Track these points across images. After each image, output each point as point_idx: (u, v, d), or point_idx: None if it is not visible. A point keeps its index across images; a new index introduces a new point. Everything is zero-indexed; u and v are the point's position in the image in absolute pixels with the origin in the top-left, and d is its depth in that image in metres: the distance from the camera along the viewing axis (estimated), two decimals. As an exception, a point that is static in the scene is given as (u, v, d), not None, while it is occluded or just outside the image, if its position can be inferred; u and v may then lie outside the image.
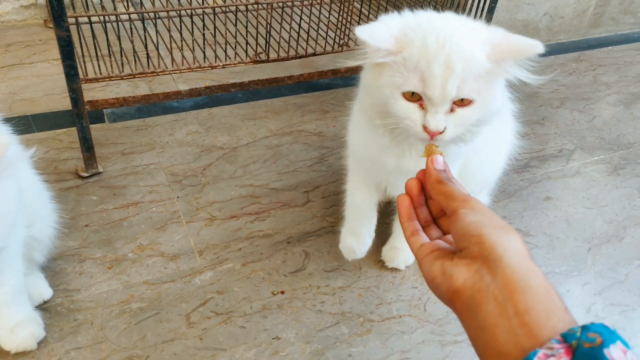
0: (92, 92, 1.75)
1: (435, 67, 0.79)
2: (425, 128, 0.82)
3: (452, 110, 0.83)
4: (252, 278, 1.22)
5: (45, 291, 1.09)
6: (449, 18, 0.88)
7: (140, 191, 1.43)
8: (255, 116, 1.79)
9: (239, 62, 1.48)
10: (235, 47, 1.50)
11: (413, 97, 0.83)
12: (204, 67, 1.43)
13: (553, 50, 2.36)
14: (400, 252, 1.25)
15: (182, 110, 1.79)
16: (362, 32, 0.80)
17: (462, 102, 0.83)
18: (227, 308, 1.14)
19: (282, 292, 1.19)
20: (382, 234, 1.33)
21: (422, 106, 0.83)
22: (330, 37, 1.60)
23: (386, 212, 1.36)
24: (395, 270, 1.26)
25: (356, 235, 1.17)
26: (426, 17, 0.87)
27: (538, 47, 0.78)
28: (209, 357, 1.04)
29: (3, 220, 0.77)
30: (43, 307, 1.08)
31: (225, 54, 1.46)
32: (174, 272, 1.21)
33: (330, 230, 1.37)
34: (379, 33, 0.82)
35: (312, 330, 1.11)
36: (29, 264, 1.04)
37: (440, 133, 0.83)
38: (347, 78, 2.00)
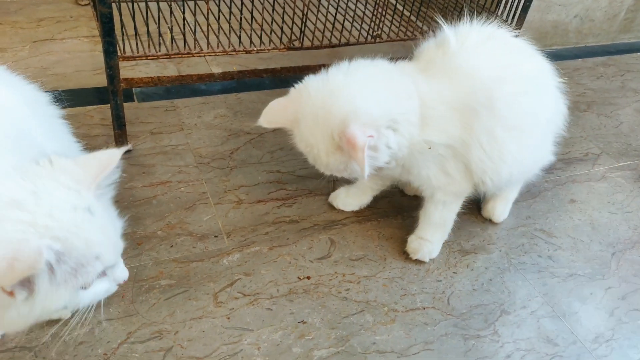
0: (122, 71, 1.76)
1: None
2: None
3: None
4: (279, 262, 1.23)
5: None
6: None
7: (169, 171, 1.44)
8: (282, 103, 1.79)
9: (273, 48, 1.48)
10: (270, 33, 1.50)
11: None
12: (239, 51, 1.43)
13: (581, 53, 2.35)
14: (425, 244, 1.26)
15: (210, 93, 1.80)
16: None
17: None
18: (254, 290, 1.16)
19: (308, 278, 1.20)
20: (408, 226, 1.35)
21: None
22: (364, 28, 1.60)
23: (412, 205, 1.38)
24: (419, 262, 1.27)
25: (350, 196, 1.37)
26: None
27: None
28: (236, 337, 1.06)
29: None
30: (76, 278, 1.10)
31: (260, 39, 1.47)
32: (202, 252, 1.23)
33: (356, 220, 1.38)
34: None
35: (337, 317, 1.13)
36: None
37: None
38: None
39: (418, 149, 1.08)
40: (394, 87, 1.05)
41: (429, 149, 1.08)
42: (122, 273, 0.80)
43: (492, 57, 1.13)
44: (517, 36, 1.20)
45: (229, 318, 1.09)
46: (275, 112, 1.04)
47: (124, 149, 0.79)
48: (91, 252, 0.71)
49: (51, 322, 1.02)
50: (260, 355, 1.03)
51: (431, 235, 1.27)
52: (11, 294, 0.66)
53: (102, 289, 0.78)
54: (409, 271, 1.25)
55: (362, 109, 0.98)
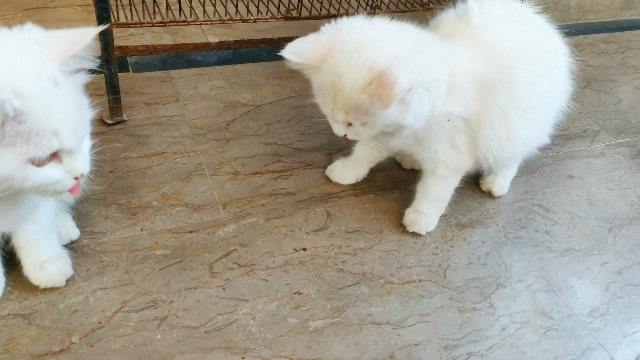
0: (116, 41, 1.73)
1: None
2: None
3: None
4: (275, 233, 1.22)
5: (73, 231, 1.10)
6: None
7: (164, 141, 1.43)
8: (279, 75, 1.77)
9: (271, 18, 1.46)
10: (268, 3, 1.47)
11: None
12: (235, 20, 1.41)
13: (582, 29, 2.32)
14: (422, 217, 1.26)
15: (206, 65, 1.77)
16: None
17: None
18: (249, 261, 1.15)
19: (304, 249, 1.20)
20: (405, 199, 1.34)
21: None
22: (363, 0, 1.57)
23: (409, 179, 1.37)
24: (416, 235, 1.27)
25: (346, 168, 1.35)
26: None
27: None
28: (231, 307, 1.05)
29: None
30: (70, 247, 1.09)
31: (258, 9, 1.44)
32: (198, 223, 1.22)
33: (353, 194, 1.37)
34: None
35: (333, 288, 1.12)
36: (58, 204, 1.04)
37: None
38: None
39: (437, 120, 1.06)
40: (433, 53, 1.02)
41: (448, 120, 1.06)
42: (81, 165, 0.76)
43: (515, 34, 1.12)
44: (538, 13, 1.18)
45: (224, 288, 1.09)
46: (304, 45, 0.99)
47: (100, 28, 0.77)
48: (50, 124, 0.69)
49: (45, 290, 1.01)
50: (255, 325, 1.03)
51: (428, 209, 1.26)
52: None
53: (55, 175, 0.74)
54: (406, 244, 1.25)
55: (409, 58, 0.94)
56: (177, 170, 1.34)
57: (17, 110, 0.65)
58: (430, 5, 1.74)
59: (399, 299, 1.12)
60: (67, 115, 0.71)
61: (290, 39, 1.56)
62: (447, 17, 1.17)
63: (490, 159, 1.17)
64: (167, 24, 1.31)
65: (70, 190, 0.78)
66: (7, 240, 0.98)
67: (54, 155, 0.73)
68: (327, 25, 1.00)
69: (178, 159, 1.38)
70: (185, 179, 1.32)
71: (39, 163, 0.71)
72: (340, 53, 0.95)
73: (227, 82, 1.70)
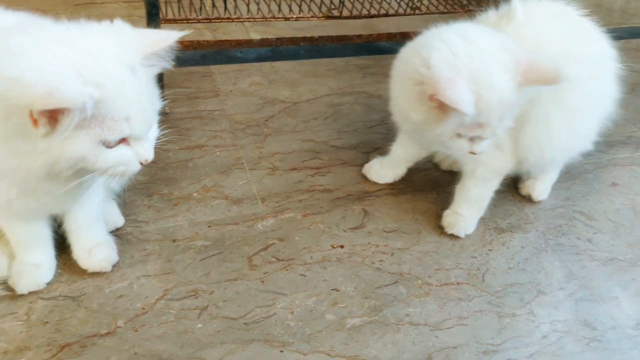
0: (161, 34, 1.76)
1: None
2: (471, 152, 1.03)
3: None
4: (312, 229, 1.23)
5: (118, 219, 1.13)
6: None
7: (205, 135, 1.44)
8: (316, 74, 1.78)
9: (312, 17, 1.46)
10: (310, 3, 1.48)
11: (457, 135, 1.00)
12: (278, 18, 1.42)
13: (625, 33, 2.28)
14: (461, 219, 1.25)
15: (245, 61, 1.79)
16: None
17: None
18: (288, 255, 1.16)
19: (342, 247, 1.20)
20: (443, 201, 1.33)
21: (471, 139, 1.00)
22: (403, 1, 1.57)
23: (447, 180, 1.36)
24: (454, 237, 1.26)
25: (384, 167, 1.35)
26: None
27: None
28: (269, 300, 1.06)
29: None
30: (115, 234, 1.11)
31: (300, 8, 1.45)
32: (237, 216, 1.23)
33: (390, 193, 1.36)
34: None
35: (371, 287, 1.12)
36: (106, 192, 1.06)
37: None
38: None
39: None
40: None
41: None
42: (147, 151, 0.79)
43: (561, 34, 1.10)
44: (584, 15, 1.16)
45: (263, 281, 1.09)
46: (463, 91, 0.95)
47: (183, 33, 0.80)
48: (123, 109, 0.72)
49: (93, 275, 1.03)
50: (293, 320, 1.03)
51: (467, 211, 1.25)
52: (35, 122, 0.67)
53: (124, 157, 0.77)
54: (444, 246, 1.24)
55: None
56: (217, 163, 1.36)
57: (95, 99, 0.68)
58: (470, 7, 1.73)
59: (436, 300, 1.12)
60: (139, 103, 0.74)
61: (330, 38, 1.57)
62: (487, 17, 1.16)
63: (531, 160, 1.15)
64: (212, 20, 1.33)
65: None
66: (60, 223, 1.00)
67: (123, 140, 0.76)
68: (437, 59, 0.94)
69: (218, 153, 1.39)
70: (225, 172, 1.34)
71: (109, 145, 0.74)
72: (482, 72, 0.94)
73: (265, 78, 1.71)
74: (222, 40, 1.43)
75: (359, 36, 1.56)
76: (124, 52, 0.74)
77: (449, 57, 0.93)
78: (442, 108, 0.93)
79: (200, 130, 1.46)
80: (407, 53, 1.04)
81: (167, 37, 0.78)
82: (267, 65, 1.78)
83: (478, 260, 1.22)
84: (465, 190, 1.22)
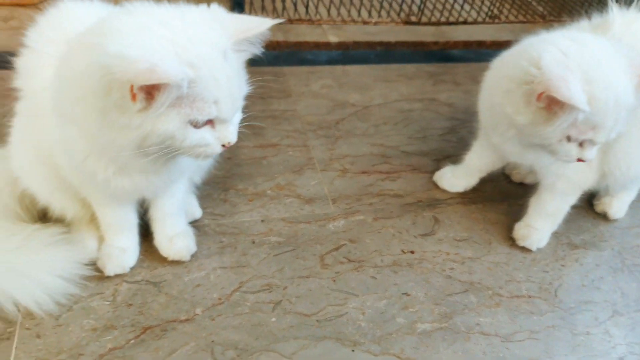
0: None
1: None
2: (579, 159, 0.99)
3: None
4: (383, 233, 1.24)
5: (196, 210, 1.17)
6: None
7: (278, 134, 1.47)
8: (387, 78, 1.79)
9: (390, 21, 1.47)
10: (389, 9, 1.49)
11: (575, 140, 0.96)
12: (357, 21, 1.44)
13: None
14: (534, 232, 1.23)
15: (316, 63, 1.81)
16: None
17: None
18: (358, 257, 1.17)
19: (412, 252, 1.20)
20: (514, 213, 1.31)
21: (580, 144, 0.97)
22: (482, 9, 1.56)
23: (518, 193, 1.34)
24: (525, 250, 1.24)
25: (456, 176, 1.35)
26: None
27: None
28: (341, 299, 1.08)
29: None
30: (194, 225, 1.15)
31: (379, 13, 1.46)
32: (309, 215, 1.25)
33: (460, 202, 1.36)
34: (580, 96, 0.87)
35: (441, 294, 1.12)
36: (188, 183, 1.10)
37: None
38: (481, 53, 1.95)
39: None
40: None
41: None
42: (230, 134, 0.81)
43: None
44: None
45: (334, 280, 1.11)
46: (575, 85, 0.92)
47: (276, 21, 0.81)
48: (213, 93, 0.74)
49: (172, 263, 1.08)
50: (364, 320, 1.04)
51: (541, 225, 1.23)
52: (134, 97, 0.70)
53: (207, 139, 0.79)
54: (515, 258, 1.22)
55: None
56: (290, 162, 1.39)
57: (188, 79, 0.70)
58: (550, 17, 1.70)
59: (507, 312, 1.11)
60: (228, 87, 0.76)
61: (407, 44, 1.58)
62: (579, 27, 1.13)
63: (616, 175, 1.12)
64: (294, 22, 1.36)
65: None
66: (146, 210, 1.05)
67: (209, 121, 0.78)
68: (548, 59, 0.92)
69: (291, 152, 1.42)
70: (298, 172, 1.36)
71: (196, 126, 0.76)
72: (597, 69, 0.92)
73: (336, 81, 1.73)
74: (300, 42, 1.46)
75: (436, 43, 1.56)
76: (218, 37, 0.76)
77: (560, 57, 0.91)
78: (551, 108, 0.90)
79: (273, 129, 1.49)
80: (510, 57, 1.03)
81: (260, 24, 0.80)
82: (337, 69, 1.80)
83: (550, 275, 1.20)
84: (541, 203, 1.20)
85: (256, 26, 0.79)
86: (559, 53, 0.91)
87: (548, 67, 0.89)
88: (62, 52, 0.80)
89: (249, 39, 0.79)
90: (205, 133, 0.78)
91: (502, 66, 1.05)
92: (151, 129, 0.73)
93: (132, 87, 0.68)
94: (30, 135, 0.95)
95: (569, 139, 0.96)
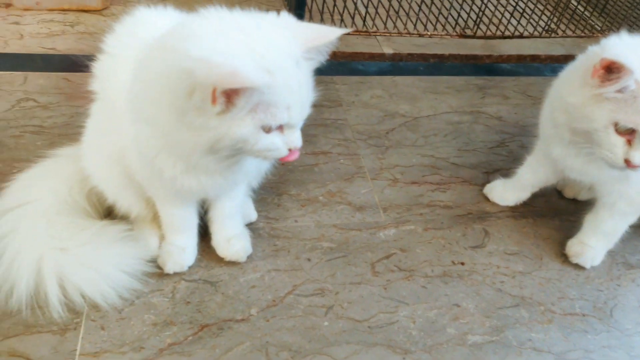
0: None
1: None
2: (627, 161, 0.94)
3: None
4: (433, 244, 1.24)
5: (252, 213, 1.20)
6: None
7: (329, 142, 1.50)
8: (436, 90, 1.79)
9: (446, 34, 1.49)
10: (445, 22, 1.51)
11: (625, 131, 0.92)
12: (412, 34, 1.45)
13: None
14: (588, 249, 1.22)
15: (366, 74, 1.83)
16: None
17: None
18: (409, 266, 1.18)
19: (462, 264, 1.21)
20: (566, 229, 1.30)
21: (629, 142, 0.93)
22: (540, 24, 1.56)
23: (570, 209, 1.33)
24: (578, 267, 1.23)
25: (507, 190, 1.34)
26: None
27: None
28: (392, 307, 1.09)
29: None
30: (249, 227, 1.18)
31: (434, 26, 1.47)
32: (360, 222, 1.27)
33: (511, 215, 1.35)
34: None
35: (492, 306, 1.12)
36: (246, 187, 1.14)
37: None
38: (531, 67, 1.94)
39: None
40: None
41: None
42: (297, 139, 0.84)
43: None
44: None
45: (385, 288, 1.12)
46: None
47: (345, 30, 0.83)
48: (286, 99, 0.77)
49: (229, 263, 1.11)
50: (415, 329, 1.05)
51: (596, 242, 1.22)
52: (214, 101, 0.72)
53: (276, 143, 0.81)
54: (567, 275, 1.22)
55: None
56: (341, 170, 1.41)
57: (268, 84, 0.73)
58: (608, 32, 1.68)
59: (560, 329, 1.10)
60: (300, 94, 0.79)
61: (458, 56, 1.59)
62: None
63: None
64: (350, 34, 1.38)
65: (285, 158, 0.86)
66: (206, 211, 1.09)
67: (279, 127, 0.81)
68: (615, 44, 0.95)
69: (342, 160, 1.44)
70: (348, 180, 1.38)
71: (267, 131, 0.79)
72: None
73: (386, 92, 1.75)
74: (355, 52, 1.49)
75: (489, 56, 1.57)
76: (291, 45, 0.79)
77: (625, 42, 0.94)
78: (603, 80, 0.91)
79: (324, 137, 1.52)
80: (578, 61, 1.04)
81: (329, 33, 0.82)
82: (387, 79, 1.82)
83: (605, 294, 1.18)
84: (598, 221, 1.19)
85: (326, 35, 0.81)
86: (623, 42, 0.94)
87: (609, 44, 0.92)
88: (139, 56, 0.85)
89: (318, 48, 0.81)
90: (275, 138, 0.81)
91: (573, 65, 1.06)
92: (226, 132, 0.76)
93: (214, 90, 0.71)
94: (103, 136, 0.99)
95: (616, 127, 0.94)
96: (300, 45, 0.79)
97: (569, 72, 1.06)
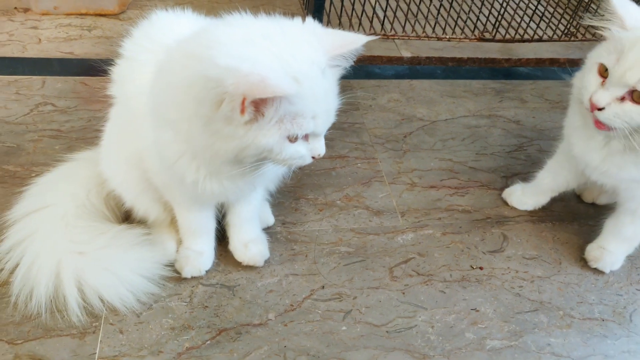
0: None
1: None
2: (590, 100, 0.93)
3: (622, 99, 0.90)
4: (452, 248, 1.24)
5: (269, 218, 1.20)
6: None
7: (347, 146, 1.50)
8: (453, 94, 1.78)
9: (464, 38, 1.48)
10: (464, 25, 1.50)
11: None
12: (431, 37, 1.45)
13: None
14: (608, 254, 1.20)
15: (383, 77, 1.83)
16: None
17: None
18: (427, 270, 1.17)
19: (481, 268, 1.20)
20: (585, 233, 1.29)
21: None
22: (559, 28, 1.54)
23: (589, 213, 1.32)
24: (597, 272, 1.21)
25: (526, 194, 1.33)
26: None
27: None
28: (410, 312, 1.08)
29: None
30: (266, 232, 1.18)
31: (453, 30, 1.47)
32: (378, 227, 1.26)
33: (529, 220, 1.34)
34: None
35: (511, 311, 1.11)
36: (264, 191, 1.14)
37: (599, 109, 0.92)
38: (548, 70, 1.93)
39: None
40: None
41: None
42: (321, 147, 0.83)
43: None
44: None
45: (403, 293, 1.12)
46: None
47: (370, 37, 0.83)
48: (312, 108, 0.76)
49: (246, 268, 1.11)
50: (434, 334, 1.05)
51: (615, 247, 1.20)
52: (242, 111, 0.71)
53: (301, 151, 0.81)
54: (586, 279, 1.20)
55: None
56: (358, 174, 1.41)
57: (294, 95, 0.72)
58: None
59: (579, 334, 1.08)
60: (326, 103, 0.79)
61: (476, 60, 1.58)
62: None
63: None
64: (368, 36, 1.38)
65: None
66: (224, 215, 1.09)
67: (305, 136, 0.80)
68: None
69: (359, 164, 1.44)
70: (366, 184, 1.38)
71: (292, 140, 0.79)
72: None
73: (403, 95, 1.74)
74: (373, 56, 1.49)
75: (507, 60, 1.55)
76: (317, 53, 0.78)
77: None
78: None
79: (341, 141, 1.51)
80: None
81: (355, 40, 0.81)
82: (404, 83, 1.81)
83: (624, 299, 1.17)
84: (619, 226, 1.17)
85: (351, 42, 0.80)
86: None
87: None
88: (160, 60, 0.85)
89: (343, 55, 0.81)
90: (299, 146, 0.80)
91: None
92: (252, 141, 0.76)
93: (244, 100, 0.70)
94: (122, 140, 1.00)
95: (598, 69, 0.93)
96: (326, 52, 0.78)
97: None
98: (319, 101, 0.77)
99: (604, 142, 1.02)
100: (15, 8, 1.85)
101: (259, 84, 0.68)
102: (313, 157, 0.83)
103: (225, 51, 0.72)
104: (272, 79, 0.69)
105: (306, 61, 0.75)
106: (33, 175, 1.14)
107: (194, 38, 0.79)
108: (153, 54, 0.88)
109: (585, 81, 0.95)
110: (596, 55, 0.95)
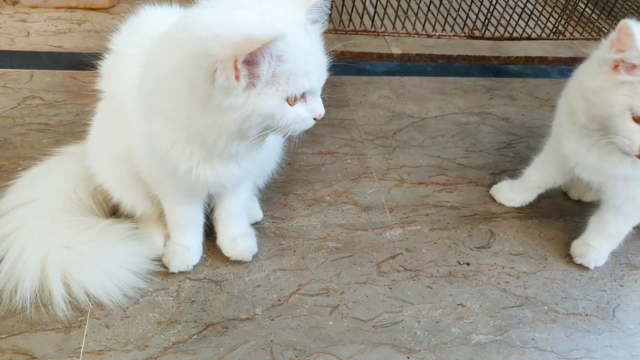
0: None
1: None
2: None
3: None
4: (439, 244, 1.24)
5: (258, 213, 1.20)
6: None
7: (336, 142, 1.50)
8: (444, 91, 1.79)
9: (454, 35, 1.48)
10: (454, 22, 1.50)
11: None
12: (421, 35, 1.45)
13: None
14: (592, 250, 1.22)
15: (374, 74, 1.83)
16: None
17: None
18: (415, 266, 1.18)
19: (468, 264, 1.21)
20: (571, 230, 1.30)
21: None
22: (547, 26, 1.55)
23: (575, 210, 1.33)
24: (582, 267, 1.23)
25: (513, 191, 1.34)
26: None
27: None
28: (397, 307, 1.09)
29: None
30: (254, 227, 1.19)
31: (443, 27, 1.47)
32: (366, 222, 1.27)
33: (516, 216, 1.35)
34: None
35: (496, 306, 1.12)
36: (252, 185, 1.14)
37: None
38: (538, 69, 1.94)
39: None
40: None
41: None
42: (319, 106, 0.84)
43: None
44: None
45: (390, 288, 1.12)
46: None
47: None
48: (303, 65, 0.77)
49: (234, 262, 1.11)
50: (420, 329, 1.05)
51: (600, 243, 1.22)
52: (237, 77, 0.72)
53: (302, 113, 0.81)
54: (571, 275, 1.21)
55: None
56: (348, 170, 1.41)
57: (282, 51, 0.73)
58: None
59: (563, 329, 1.10)
60: (315, 57, 0.80)
61: (466, 57, 1.59)
62: None
63: None
64: (359, 33, 1.39)
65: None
66: (212, 210, 1.09)
67: (302, 96, 0.81)
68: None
69: (348, 160, 1.45)
70: (355, 180, 1.39)
71: (291, 102, 0.79)
72: None
73: (393, 92, 1.75)
74: (363, 52, 1.49)
75: (497, 58, 1.56)
76: (294, 12, 0.79)
77: None
78: (617, 68, 0.94)
79: (331, 137, 1.52)
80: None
81: None
82: (395, 80, 1.82)
83: (608, 294, 1.18)
84: (603, 222, 1.18)
85: None
86: None
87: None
88: (146, 53, 0.85)
89: (319, 5, 0.81)
90: (300, 109, 0.80)
91: (590, 58, 1.07)
92: (253, 108, 0.76)
93: (235, 62, 0.70)
94: (110, 134, 1.00)
95: (632, 113, 0.94)
96: (300, 9, 0.79)
97: (590, 60, 1.06)
98: (308, 57, 0.77)
99: (605, 141, 1.02)
100: (4, 0, 1.83)
101: (245, 41, 0.69)
102: (315, 119, 0.83)
103: (204, 26, 0.74)
104: (256, 32, 0.70)
105: (286, 22, 0.76)
106: (20, 169, 1.13)
107: (174, 26, 0.80)
108: (141, 48, 0.88)
109: (623, 133, 0.96)
110: (623, 103, 0.94)
